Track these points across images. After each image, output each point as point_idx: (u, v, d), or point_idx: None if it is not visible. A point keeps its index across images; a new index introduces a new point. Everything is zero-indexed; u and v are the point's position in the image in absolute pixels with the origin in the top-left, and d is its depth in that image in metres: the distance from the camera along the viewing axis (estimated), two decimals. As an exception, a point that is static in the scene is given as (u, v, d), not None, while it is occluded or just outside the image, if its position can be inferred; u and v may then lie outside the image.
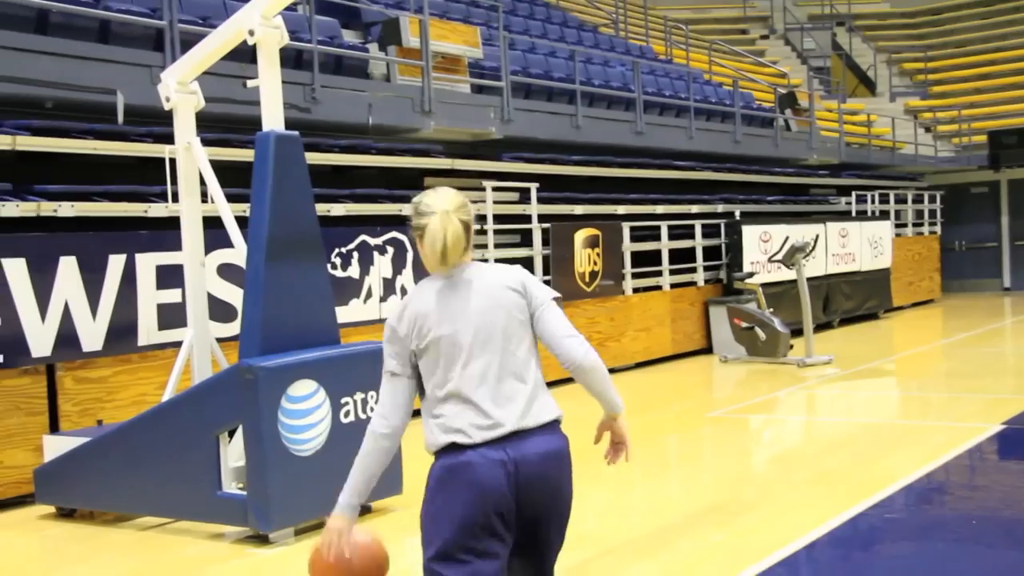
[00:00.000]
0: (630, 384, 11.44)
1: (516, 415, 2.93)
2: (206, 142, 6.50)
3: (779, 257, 13.42)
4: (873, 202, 19.01)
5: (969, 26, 28.36)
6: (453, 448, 2.93)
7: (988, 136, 22.38)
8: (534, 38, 15.88)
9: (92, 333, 7.04)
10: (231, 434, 5.67)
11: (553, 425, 3.00)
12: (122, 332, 7.22)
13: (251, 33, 5.65)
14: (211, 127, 8.41)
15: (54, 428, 6.88)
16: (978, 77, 26.30)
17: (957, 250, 23.05)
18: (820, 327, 15.49)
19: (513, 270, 3.11)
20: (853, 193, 18.81)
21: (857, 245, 17.11)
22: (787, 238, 13.79)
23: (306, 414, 5.55)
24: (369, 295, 9.16)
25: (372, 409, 5.85)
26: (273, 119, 5.76)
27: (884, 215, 19.01)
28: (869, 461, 7.17)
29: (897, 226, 19.75)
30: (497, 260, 10.59)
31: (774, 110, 18.93)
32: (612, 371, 11.97)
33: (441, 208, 2.97)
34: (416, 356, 3.02)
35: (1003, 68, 26.02)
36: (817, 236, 14.11)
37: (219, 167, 6.66)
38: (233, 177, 7.15)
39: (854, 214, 18.42)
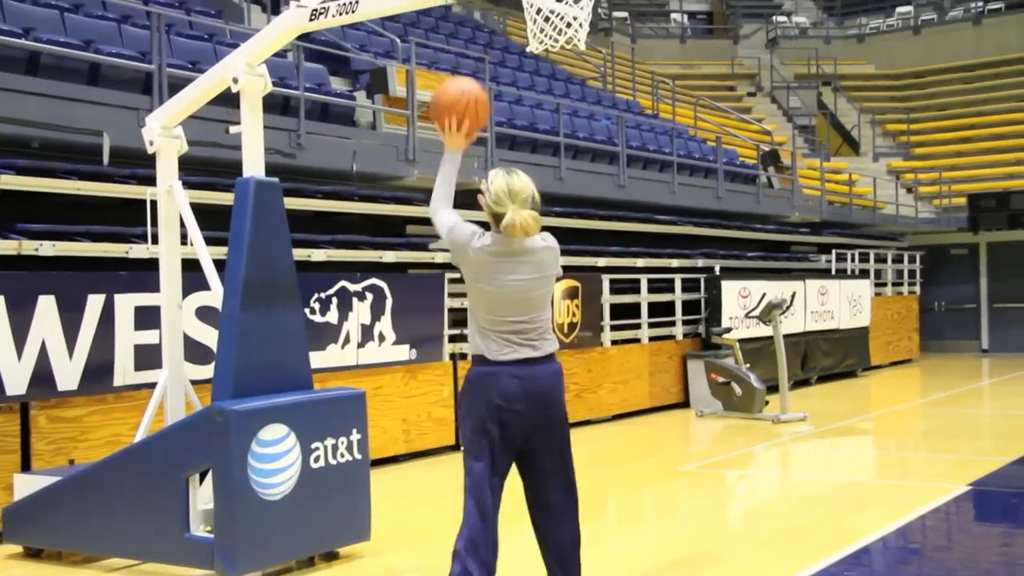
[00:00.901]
0: (606, 437, 11.48)
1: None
2: (191, 185, 6.59)
3: (756, 314, 13.55)
4: (853, 261, 19.20)
5: (951, 90, 28.85)
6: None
7: (968, 199, 22.67)
8: (521, 90, 16.10)
9: (68, 372, 7.07)
10: (202, 476, 5.69)
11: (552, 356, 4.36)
12: (98, 372, 7.25)
13: (235, 80, 5.76)
14: (196, 170, 8.51)
15: (26, 467, 6.88)
16: (959, 140, 26.71)
17: (936, 311, 23.24)
18: (798, 384, 15.59)
19: (553, 244, 4.39)
20: (834, 251, 19.01)
21: (836, 303, 17.26)
22: (764, 295, 13.92)
23: (276, 458, 5.58)
24: (347, 341, 9.22)
25: (342, 455, 5.90)
26: (254, 165, 5.86)
27: (864, 274, 19.20)
28: (836, 518, 7.23)
29: (877, 285, 19.94)
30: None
31: (757, 167, 19.17)
32: (588, 423, 12.07)
33: (512, 204, 4.20)
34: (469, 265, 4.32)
35: (983, 132, 26.46)
36: (794, 293, 14.24)
37: (203, 210, 6.74)
38: (217, 220, 7.23)
39: (834, 272, 18.60)
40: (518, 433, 4.30)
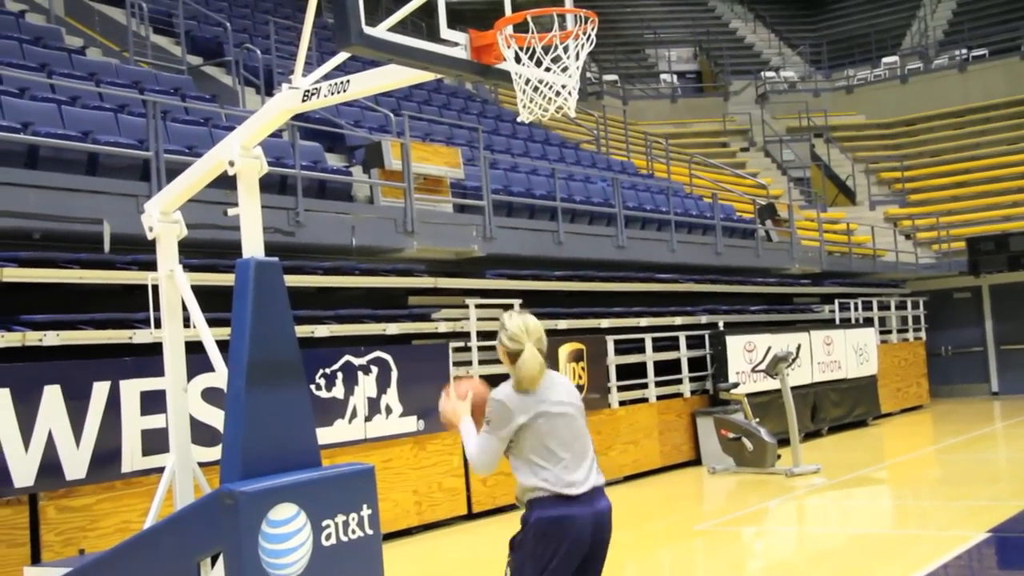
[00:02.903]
0: (619, 498, 11.31)
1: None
2: (192, 268, 6.62)
3: (762, 367, 13.51)
4: (856, 309, 19.19)
5: (942, 136, 29.07)
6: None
7: (967, 243, 22.73)
8: (516, 157, 16.24)
9: (75, 461, 7.04)
10: (213, 560, 5.64)
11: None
12: (106, 459, 7.22)
13: (231, 164, 5.81)
14: (197, 253, 8.56)
15: (36, 559, 6.83)
16: (954, 185, 26.84)
17: (944, 355, 23.17)
18: (809, 435, 15.49)
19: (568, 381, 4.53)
20: (836, 301, 19.01)
21: (842, 353, 17.22)
22: (769, 348, 13.90)
23: (287, 538, 5.53)
24: (354, 415, 9.19)
25: (354, 532, 5.85)
26: (253, 246, 5.89)
27: (868, 322, 19.18)
28: (856, 572, 7.15)
29: (882, 332, 19.89)
30: (482, 376, 10.65)
31: (754, 221, 19.26)
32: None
33: (528, 341, 4.34)
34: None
35: (978, 176, 26.61)
36: (800, 345, 14.22)
37: (205, 292, 6.76)
38: (219, 301, 7.24)
39: (838, 322, 18.58)
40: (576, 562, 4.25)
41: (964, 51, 30.23)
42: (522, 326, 4.47)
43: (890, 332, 20.52)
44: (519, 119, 4.95)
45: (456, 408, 4.71)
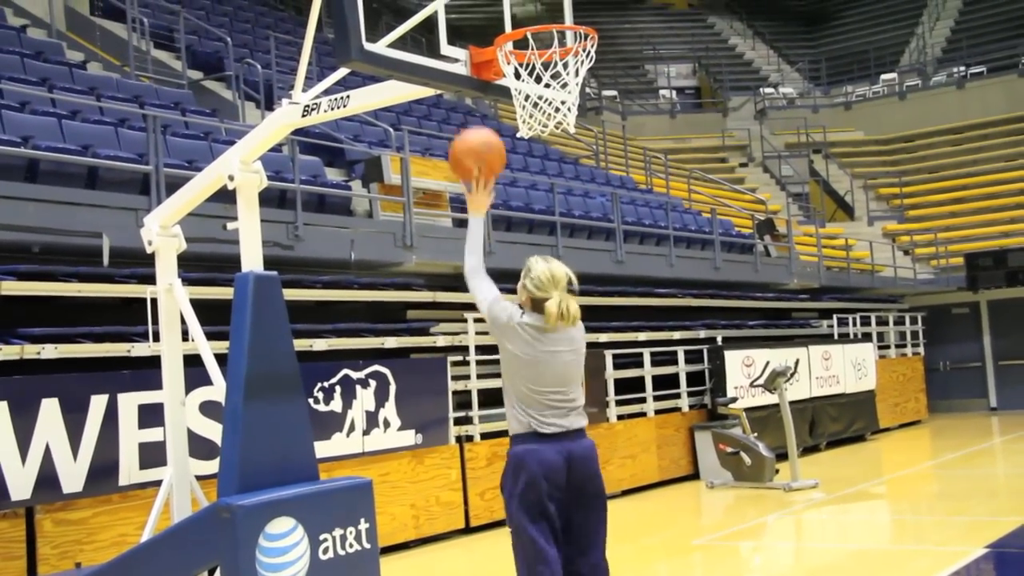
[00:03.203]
0: (617, 513, 11.29)
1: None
2: (191, 282, 6.64)
3: (761, 382, 13.52)
4: (855, 324, 19.20)
5: (941, 152, 29.15)
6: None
7: (965, 258, 22.76)
8: (515, 171, 16.28)
9: (73, 474, 7.04)
10: (211, 574, 5.64)
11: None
12: (103, 472, 7.22)
13: (231, 178, 5.83)
14: (196, 267, 8.58)
15: (32, 573, 6.82)
16: (952, 201, 26.89)
17: (942, 370, 23.17)
18: (808, 450, 15.48)
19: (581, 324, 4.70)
20: (835, 316, 19.02)
21: (841, 367, 17.22)
22: (767, 363, 13.90)
23: (284, 552, 5.53)
24: (352, 429, 9.19)
25: (351, 545, 5.84)
26: (252, 260, 5.90)
27: (867, 337, 19.19)
28: (853, 587, 7.15)
29: (880, 348, 19.90)
30: (480, 391, 10.67)
31: (753, 236, 19.29)
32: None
33: (556, 290, 4.55)
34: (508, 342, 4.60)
35: (976, 192, 26.67)
36: (798, 360, 14.23)
37: (204, 306, 6.77)
38: (218, 315, 7.26)
39: (836, 337, 18.59)
40: (560, 508, 4.54)
41: (962, 68, 30.33)
42: (548, 274, 4.59)
43: (888, 347, 20.53)
44: (519, 135, 4.98)
45: (478, 200, 4.76)
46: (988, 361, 23.23)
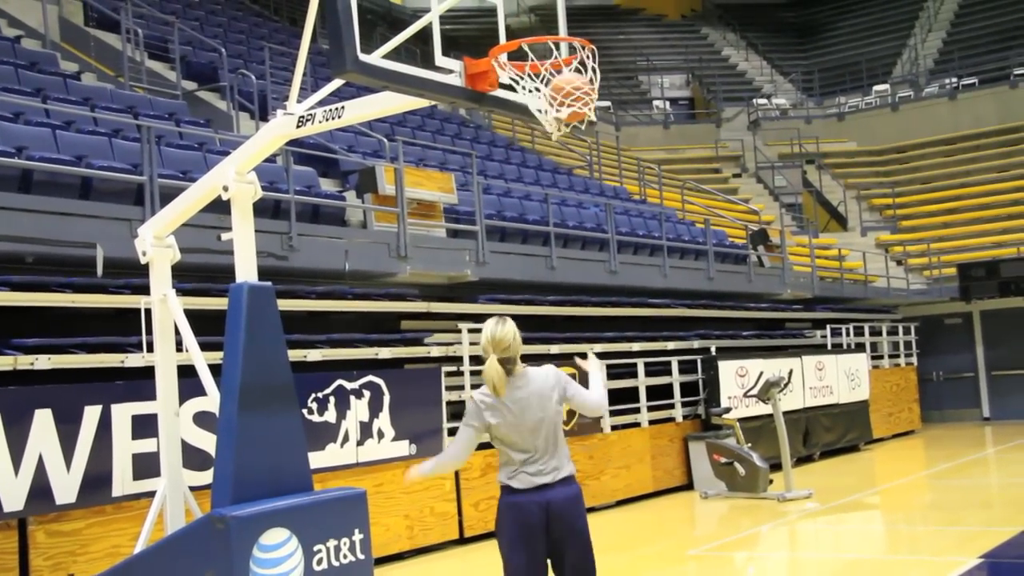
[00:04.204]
0: (611, 523, 11.37)
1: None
2: (185, 292, 6.63)
3: (754, 393, 13.53)
4: (848, 335, 19.23)
5: (933, 163, 29.25)
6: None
7: (958, 269, 22.81)
8: (509, 182, 16.30)
9: (66, 485, 7.02)
10: (204, 585, 5.62)
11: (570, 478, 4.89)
12: (96, 483, 7.20)
13: (225, 189, 5.83)
14: (190, 277, 8.58)
15: (25, 583, 6.80)
16: (945, 212, 26.98)
17: (935, 380, 23.21)
18: (801, 460, 15.49)
19: (548, 373, 5.05)
20: (828, 326, 19.05)
21: (834, 378, 17.25)
22: (761, 373, 13.92)
23: (278, 563, 5.52)
24: (346, 439, 9.18)
25: (345, 556, 5.84)
26: (246, 270, 5.90)
27: (860, 347, 19.22)
28: (848, 597, 7.15)
29: (874, 358, 19.93)
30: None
31: (747, 247, 19.32)
32: (592, 510, 11.93)
33: (493, 354, 4.92)
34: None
35: (968, 203, 26.76)
36: (791, 370, 14.24)
37: (198, 316, 6.77)
38: (212, 325, 7.25)
39: (830, 347, 18.62)
40: (545, 549, 4.86)
41: (954, 79, 30.47)
42: (489, 338, 4.99)
43: (882, 357, 20.56)
44: (553, 138, 5.05)
45: (411, 472, 5.27)
46: (981, 371, 23.27)
